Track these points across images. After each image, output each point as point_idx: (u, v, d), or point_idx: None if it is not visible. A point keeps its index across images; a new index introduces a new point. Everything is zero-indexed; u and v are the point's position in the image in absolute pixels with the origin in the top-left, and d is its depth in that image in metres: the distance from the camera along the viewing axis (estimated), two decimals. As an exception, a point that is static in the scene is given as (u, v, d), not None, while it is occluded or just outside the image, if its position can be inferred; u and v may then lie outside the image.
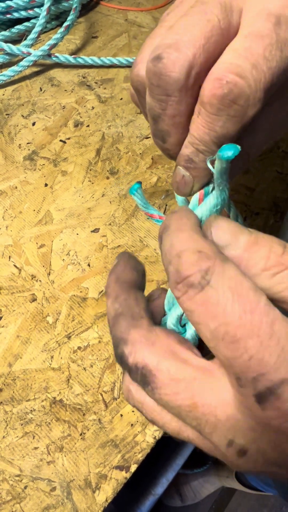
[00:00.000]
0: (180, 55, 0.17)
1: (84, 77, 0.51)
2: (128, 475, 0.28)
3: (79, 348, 0.32)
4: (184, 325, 0.19)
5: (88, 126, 0.46)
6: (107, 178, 0.42)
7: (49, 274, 0.36)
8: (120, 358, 0.16)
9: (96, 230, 0.38)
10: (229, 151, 0.15)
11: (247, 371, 0.13)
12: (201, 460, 0.87)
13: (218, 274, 0.14)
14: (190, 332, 0.18)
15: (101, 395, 0.30)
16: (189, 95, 0.18)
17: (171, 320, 0.18)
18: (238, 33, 0.17)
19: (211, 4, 0.17)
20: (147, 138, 0.45)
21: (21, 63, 0.48)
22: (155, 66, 0.17)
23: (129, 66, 0.51)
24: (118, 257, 0.19)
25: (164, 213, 0.39)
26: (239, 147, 0.15)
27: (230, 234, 0.16)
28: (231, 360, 0.13)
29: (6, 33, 0.52)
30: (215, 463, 0.88)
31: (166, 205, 0.40)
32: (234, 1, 0.18)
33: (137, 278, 0.18)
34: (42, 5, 0.52)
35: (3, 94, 0.49)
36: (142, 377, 0.15)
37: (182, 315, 0.18)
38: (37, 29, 0.49)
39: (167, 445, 0.45)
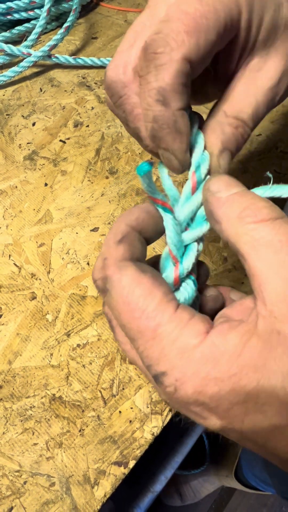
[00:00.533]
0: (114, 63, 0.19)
1: (84, 78, 0.51)
2: (126, 471, 0.28)
3: (78, 345, 0.32)
4: (178, 288, 0.19)
5: (87, 126, 0.46)
6: (107, 177, 0.42)
7: (48, 272, 0.36)
8: (95, 273, 0.19)
9: (95, 229, 0.38)
10: (140, 169, 0.17)
11: (143, 360, 0.16)
12: (198, 461, 0.88)
13: (114, 283, 0.16)
14: (181, 297, 0.19)
15: (100, 392, 0.30)
16: (134, 88, 0.19)
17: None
18: None
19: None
20: (146, 138, 0.45)
21: (22, 63, 0.48)
22: (105, 81, 0.20)
23: (128, 66, 0.52)
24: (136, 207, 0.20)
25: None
26: (149, 166, 0.17)
27: (225, 184, 0.18)
28: (135, 349, 0.16)
29: (6, 34, 0.52)
30: (214, 463, 0.89)
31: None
32: None
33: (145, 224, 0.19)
34: (42, 6, 0.52)
35: (4, 95, 0.49)
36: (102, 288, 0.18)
37: (178, 276, 0.19)
38: (37, 30, 0.50)
39: (165, 442, 0.45)
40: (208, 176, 0.20)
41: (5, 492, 0.27)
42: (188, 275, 0.19)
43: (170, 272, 0.19)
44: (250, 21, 0.19)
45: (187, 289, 0.19)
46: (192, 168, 0.20)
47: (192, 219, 0.20)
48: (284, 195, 0.19)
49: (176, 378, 0.15)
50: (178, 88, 0.17)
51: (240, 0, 0.18)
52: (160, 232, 0.20)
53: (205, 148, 0.20)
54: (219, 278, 0.36)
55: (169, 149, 0.19)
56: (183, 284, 0.19)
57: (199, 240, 0.20)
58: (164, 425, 0.29)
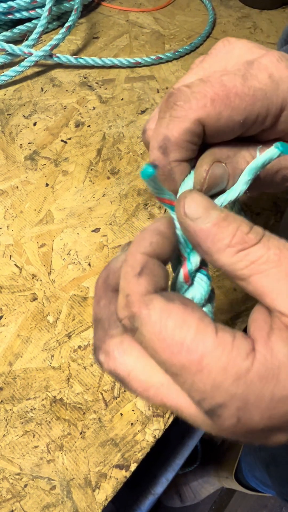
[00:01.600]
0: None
1: (85, 78, 0.51)
2: (128, 474, 0.28)
3: (79, 347, 0.32)
4: (191, 283, 0.19)
5: (89, 126, 0.46)
6: (108, 178, 0.42)
7: (49, 273, 0.36)
8: (98, 362, 0.17)
9: (96, 230, 0.38)
10: (145, 173, 0.17)
11: (192, 395, 0.14)
12: (191, 459, 0.87)
13: (143, 320, 0.15)
14: (196, 293, 0.18)
15: (101, 394, 0.30)
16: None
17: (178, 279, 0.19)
18: None
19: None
20: (148, 138, 0.45)
21: (23, 63, 0.48)
22: (143, 138, 0.22)
23: (130, 66, 0.52)
24: (122, 249, 0.19)
25: (165, 212, 0.40)
26: (153, 169, 0.17)
27: (203, 208, 0.16)
28: (179, 385, 0.15)
29: (7, 33, 0.52)
30: (214, 464, 0.88)
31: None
32: (216, 65, 0.20)
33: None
34: (43, 5, 0.52)
35: (5, 94, 0.49)
36: (119, 381, 0.17)
37: (189, 271, 0.19)
38: (38, 29, 0.50)
39: (166, 445, 0.45)
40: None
41: (5, 495, 0.27)
42: (199, 270, 0.19)
43: (179, 270, 0.19)
44: None
45: (201, 285, 0.18)
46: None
47: None
48: (235, 195, 0.19)
49: (238, 407, 0.14)
50: (182, 144, 0.18)
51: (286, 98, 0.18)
52: (175, 249, 0.19)
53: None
54: (221, 279, 0.35)
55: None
56: (196, 280, 0.19)
57: None
58: (165, 427, 0.29)
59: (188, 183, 0.20)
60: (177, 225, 0.19)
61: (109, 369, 0.16)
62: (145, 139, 0.22)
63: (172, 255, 0.18)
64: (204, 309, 0.19)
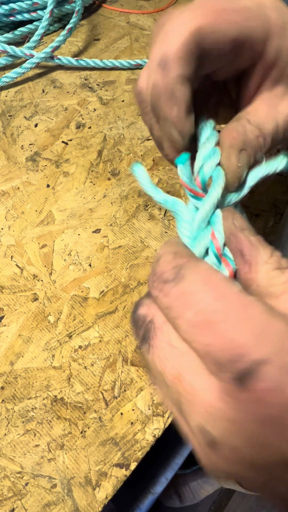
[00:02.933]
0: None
1: (86, 79, 0.51)
2: (128, 473, 0.28)
3: (80, 347, 0.32)
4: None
5: (90, 127, 0.46)
6: (109, 179, 0.42)
7: (50, 274, 0.36)
8: (138, 305, 0.16)
9: (97, 231, 0.38)
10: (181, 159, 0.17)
11: (225, 354, 0.12)
12: (191, 459, 0.87)
13: (191, 268, 0.14)
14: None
15: (102, 393, 0.30)
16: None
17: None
18: None
19: None
20: (148, 140, 0.45)
21: (24, 65, 0.48)
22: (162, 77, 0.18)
23: (130, 68, 0.52)
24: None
25: (164, 215, 0.40)
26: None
27: (246, 224, 0.17)
28: (209, 346, 0.13)
29: (9, 35, 0.52)
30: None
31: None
32: None
33: None
34: (45, 7, 0.52)
35: (6, 96, 0.49)
36: (144, 332, 0.15)
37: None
38: (40, 31, 0.50)
39: (166, 444, 0.45)
40: (217, 168, 0.19)
41: (6, 493, 0.27)
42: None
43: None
44: (280, 50, 0.18)
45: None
46: (196, 166, 0.19)
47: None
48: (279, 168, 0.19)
49: (284, 365, 0.11)
50: (183, 56, 0.16)
51: (272, 23, 0.18)
52: None
53: (218, 145, 0.19)
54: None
55: (168, 119, 0.18)
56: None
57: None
58: (165, 427, 0.29)
59: (207, 146, 0.19)
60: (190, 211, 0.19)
61: (145, 314, 0.15)
62: (137, 91, 0.19)
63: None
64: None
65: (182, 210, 0.19)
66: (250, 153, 0.19)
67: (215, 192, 0.18)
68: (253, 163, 0.20)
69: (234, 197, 0.19)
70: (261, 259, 0.16)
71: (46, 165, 0.43)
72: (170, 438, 0.46)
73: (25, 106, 0.48)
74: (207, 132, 0.20)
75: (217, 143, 0.19)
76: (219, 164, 0.19)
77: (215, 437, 0.12)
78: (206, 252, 0.18)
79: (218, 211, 0.19)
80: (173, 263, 0.15)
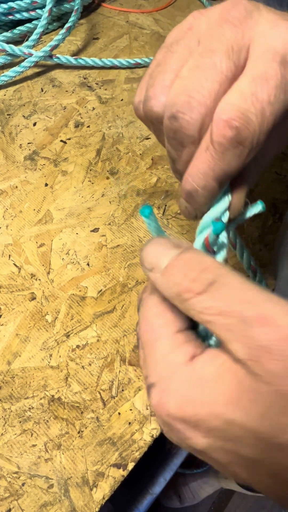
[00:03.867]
0: (193, 115, 0.18)
1: (85, 78, 0.51)
2: (125, 473, 0.28)
3: (77, 346, 0.32)
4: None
5: (88, 126, 0.46)
6: (107, 178, 0.42)
7: (48, 273, 0.36)
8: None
9: (95, 230, 0.38)
10: (145, 212, 0.18)
11: (142, 370, 0.18)
12: (201, 461, 0.87)
13: (143, 303, 0.18)
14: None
15: (99, 393, 0.30)
16: (199, 142, 0.19)
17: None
18: (244, 71, 0.18)
19: (219, 54, 0.18)
20: (147, 139, 0.45)
21: (23, 64, 0.48)
22: (172, 124, 0.19)
23: (130, 67, 0.52)
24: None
25: (163, 214, 0.40)
26: (151, 208, 0.18)
27: (155, 258, 0.17)
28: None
29: (8, 34, 0.52)
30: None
31: (166, 205, 0.40)
32: (241, 40, 0.18)
33: None
34: (44, 6, 0.52)
35: (5, 95, 0.49)
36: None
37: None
38: (38, 30, 0.50)
39: (164, 444, 0.45)
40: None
41: (3, 493, 0.27)
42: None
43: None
44: None
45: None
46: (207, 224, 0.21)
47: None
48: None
49: (162, 390, 0.16)
50: (235, 176, 0.20)
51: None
52: None
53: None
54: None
55: (197, 210, 0.21)
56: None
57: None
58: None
59: (217, 209, 0.21)
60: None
61: (140, 297, 0.19)
62: (149, 107, 0.20)
63: None
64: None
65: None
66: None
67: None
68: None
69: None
70: (170, 293, 0.17)
71: (44, 164, 0.43)
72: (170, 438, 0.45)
73: (24, 105, 0.48)
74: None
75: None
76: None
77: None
78: None
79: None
80: (140, 296, 0.19)
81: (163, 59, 0.20)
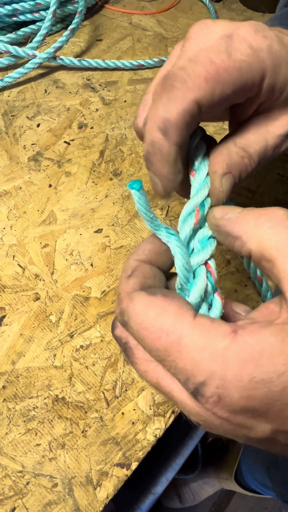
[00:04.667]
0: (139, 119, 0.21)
1: (88, 80, 0.51)
2: (129, 473, 0.28)
3: (81, 346, 0.32)
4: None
5: (92, 128, 0.46)
6: (111, 179, 0.42)
7: (52, 273, 0.36)
8: (113, 328, 0.19)
9: (99, 231, 0.38)
10: (134, 185, 0.18)
11: (178, 378, 0.15)
12: (192, 466, 0.87)
13: (129, 313, 0.17)
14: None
15: (103, 393, 0.30)
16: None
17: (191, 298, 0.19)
18: None
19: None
20: (150, 140, 0.45)
21: (27, 65, 0.48)
22: (138, 129, 0.21)
23: (133, 68, 0.52)
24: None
25: (166, 215, 0.40)
26: (141, 182, 0.18)
27: (229, 209, 0.19)
28: (169, 369, 0.16)
29: (12, 35, 0.52)
30: (214, 465, 0.88)
31: (169, 206, 0.40)
32: (196, 47, 0.20)
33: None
34: (47, 8, 0.52)
35: (9, 96, 0.50)
36: (126, 350, 0.18)
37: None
38: (42, 31, 0.50)
39: (167, 444, 0.45)
40: (207, 199, 0.21)
41: (7, 492, 0.27)
42: (210, 295, 0.19)
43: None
44: (274, 85, 0.19)
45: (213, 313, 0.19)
46: (192, 192, 0.21)
47: (191, 243, 0.20)
48: None
49: (217, 385, 0.14)
50: (181, 125, 0.18)
51: (267, 65, 0.19)
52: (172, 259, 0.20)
53: (208, 174, 0.21)
54: (222, 280, 0.36)
55: (157, 174, 0.20)
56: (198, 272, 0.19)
57: (207, 262, 0.20)
58: (166, 427, 0.29)
59: (202, 193, 0.20)
60: (180, 250, 0.19)
61: (120, 336, 0.18)
62: (136, 125, 0.22)
63: (169, 263, 0.20)
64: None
65: (180, 245, 0.19)
66: (235, 174, 0.21)
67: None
68: (241, 180, 0.21)
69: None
70: (249, 225, 0.17)
71: (48, 165, 0.43)
72: (171, 439, 0.46)
73: (28, 106, 0.48)
74: (200, 160, 0.21)
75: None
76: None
77: (197, 422, 0.16)
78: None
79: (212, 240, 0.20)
80: (118, 309, 0.17)
81: (151, 84, 0.23)
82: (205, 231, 0.20)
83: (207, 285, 0.19)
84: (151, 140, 0.19)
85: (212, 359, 0.14)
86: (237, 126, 0.22)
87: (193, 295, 0.18)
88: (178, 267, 0.19)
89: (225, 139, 0.22)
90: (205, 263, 0.19)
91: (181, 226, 0.20)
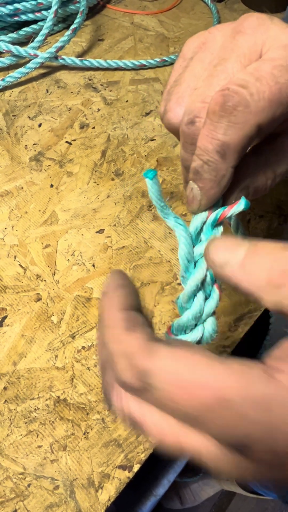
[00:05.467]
0: None
1: (90, 79, 0.51)
2: (131, 475, 0.28)
3: (83, 347, 0.32)
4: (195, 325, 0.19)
5: (93, 128, 0.46)
6: (112, 179, 0.42)
7: (54, 274, 0.36)
8: (109, 404, 0.16)
9: (101, 231, 0.38)
10: (148, 174, 0.18)
11: (216, 433, 0.13)
12: (194, 469, 0.87)
13: (156, 373, 0.14)
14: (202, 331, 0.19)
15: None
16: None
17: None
18: None
19: (231, 60, 0.19)
20: (152, 140, 0.45)
21: (28, 65, 0.48)
22: (189, 129, 0.20)
23: (134, 68, 0.52)
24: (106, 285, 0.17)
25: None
26: (156, 172, 0.18)
27: (227, 252, 0.16)
28: (201, 428, 0.14)
29: (13, 35, 0.52)
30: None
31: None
32: (253, 46, 0.19)
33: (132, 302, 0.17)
34: (49, 8, 0.52)
35: (10, 95, 0.49)
36: (133, 424, 0.16)
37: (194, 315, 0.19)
38: (44, 31, 0.50)
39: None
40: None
41: (9, 494, 0.27)
42: (208, 286, 0.19)
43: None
44: None
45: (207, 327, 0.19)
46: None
47: (199, 233, 0.20)
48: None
49: (264, 434, 0.13)
50: (240, 149, 0.18)
51: None
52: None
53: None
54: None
55: (203, 190, 0.20)
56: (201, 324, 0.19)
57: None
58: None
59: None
60: (185, 241, 0.19)
61: (122, 411, 0.16)
62: (168, 119, 0.21)
63: (138, 302, 0.17)
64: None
65: (185, 235, 0.20)
66: (250, 190, 0.21)
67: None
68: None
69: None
70: (260, 282, 0.15)
71: (49, 165, 0.43)
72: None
73: (29, 106, 0.48)
74: None
75: None
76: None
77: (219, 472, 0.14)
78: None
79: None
80: (132, 372, 0.14)
81: (180, 75, 0.21)
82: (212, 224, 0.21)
83: (206, 275, 0.19)
84: (207, 159, 0.19)
85: (256, 409, 0.13)
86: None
87: (189, 284, 0.19)
88: (180, 256, 0.19)
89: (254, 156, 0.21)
90: None
91: (193, 218, 0.21)
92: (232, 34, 0.20)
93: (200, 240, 0.20)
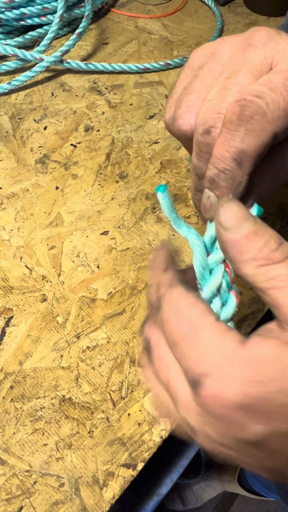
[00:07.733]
0: None
1: (94, 83, 0.52)
2: (135, 473, 0.28)
3: (88, 347, 0.33)
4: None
5: (98, 130, 0.47)
6: (117, 182, 0.42)
7: (59, 275, 0.36)
8: (143, 329, 0.20)
9: (105, 233, 0.39)
10: (160, 189, 0.19)
11: (184, 363, 0.17)
12: (195, 470, 0.87)
13: (166, 298, 0.18)
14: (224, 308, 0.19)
15: (109, 394, 0.31)
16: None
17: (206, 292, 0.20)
18: None
19: (243, 73, 0.19)
20: (156, 143, 0.46)
21: (34, 68, 0.49)
22: (205, 139, 0.20)
23: (139, 72, 0.52)
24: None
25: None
26: (166, 186, 0.19)
27: (236, 219, 0.18)
28: (178, 360, 0.17)
29: (19, 39, 0.53)
30: (217, 468, 0.88)
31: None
32: (263, 59, 0.19)
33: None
34: (55, 12, 0.53)
35: (16, 99, 0.50)
36: (147, 347, 0.19)
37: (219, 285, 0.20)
38: (49, 35, 0.51)
39: (172, 446, 0.45)
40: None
41: (15, 491, 0.28)
42: (225, 293, 0.20)
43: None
44: None
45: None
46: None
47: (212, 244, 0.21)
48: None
49: (220, 378, 0.15)
50: (257, 157, 0.19)
51: None
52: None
53: None
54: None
55: (220, 197, 0.20)
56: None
57: (225, 261, 0.20)
58: (172, 428, 0.30)
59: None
60: (200, 249, 0.20)
61: (145, 335, 0.19)
62: (179, 126, 0.22)
63: (174, 262, 0.21)
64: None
65: (198, 243, 0.20)
66: (258, 196, 0.22)
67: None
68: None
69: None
70: (246, 257, 0.17)
71: (55, 168, 0.44)
72: (175, 440, 0.46)
73: (35, 109, 0.49)
74: None
75: None
76: None
77: (193, 426, 0.17)
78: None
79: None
80: (156, 294, 0.19)
81: (189, 83, 0.22)
82: None
83: (222, 283, 0.19)
84: (224, 167, 0.19)
85: (219, 356, 0.16)
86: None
87: (205, 291, 0.19)
88: (195, 264, 0.19)
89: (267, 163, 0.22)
90: (224, 262, 0.20)
91: (208, 226, 0.21)
92: (242, 47, 0.20)
93: (216, 248, 0.20)
